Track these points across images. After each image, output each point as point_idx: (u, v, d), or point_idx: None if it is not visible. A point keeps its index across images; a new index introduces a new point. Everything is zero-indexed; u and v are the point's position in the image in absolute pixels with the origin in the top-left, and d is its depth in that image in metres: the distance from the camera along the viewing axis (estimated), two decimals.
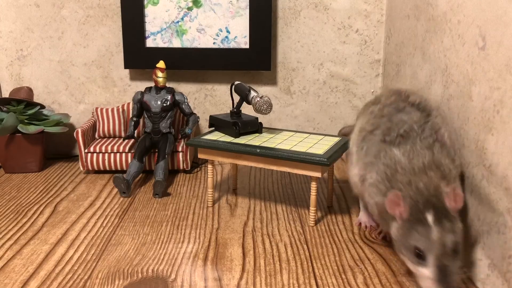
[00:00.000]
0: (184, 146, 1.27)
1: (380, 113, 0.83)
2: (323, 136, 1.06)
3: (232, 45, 1.33)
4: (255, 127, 1.06)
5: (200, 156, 1.04)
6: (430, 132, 0.76)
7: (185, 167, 1.28)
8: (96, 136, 1.35)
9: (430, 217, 0.65)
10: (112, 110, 1.33)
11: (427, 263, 0.64)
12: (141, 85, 1.39)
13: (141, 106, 1.23)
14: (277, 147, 0.96)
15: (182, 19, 1.33)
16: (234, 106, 1.06)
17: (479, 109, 0.75)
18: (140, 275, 0.78)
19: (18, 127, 1.25)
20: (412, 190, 0.68)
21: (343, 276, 0.78)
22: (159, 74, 1.22)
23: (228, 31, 1.33)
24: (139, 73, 1.40)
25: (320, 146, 0.98)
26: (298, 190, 1.17)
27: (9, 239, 0.92)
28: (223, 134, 1.06)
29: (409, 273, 0.78)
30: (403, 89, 0.87)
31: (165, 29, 1.33)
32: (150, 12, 1.32)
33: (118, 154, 1.26)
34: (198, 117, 1.27)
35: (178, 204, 1.09)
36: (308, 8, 1.34)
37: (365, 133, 0.83)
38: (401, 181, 0.71)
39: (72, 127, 1.42)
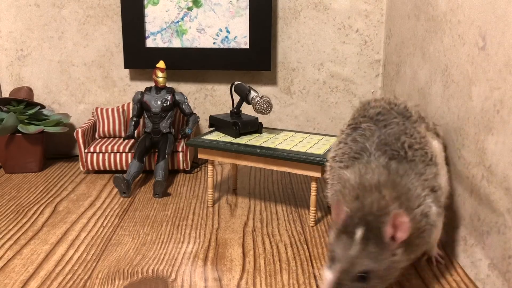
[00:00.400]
0: (184, 146, 1.27)
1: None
2: (323, 136, 1.06)
3: (232, 45, 1.33)
4: (255, 127, 1.06)
5: (200, 156, 1.04)
6: (385, 149, 0.71)
7: (185, 167, 1.28)
8: (96, 136, 1.35)
9: (358, 234, 0.60)
10: (112, 110, 1.33)
11: (331, 271, 0.60)
12: (141, 85, 1.39)
13: (141, 106, 1.23)
14: (277, 147, 0.96)
15: (182, 19, 1.33)
16: (234, 106, 1.06)
17: (479, 109, 0.75)
18: (140, 275, 0.78)
19: (18, 127, 1.25)
20: (356, 204, 0.63)
21: None
22: (159, 74, 1.22)
23: (228, 31, 1.33)
24: (139, 73, 1.40)
25: (320, 146, 0.98)
26: (298, 190, 1.17)
27: (9, 239, 0.92)
28: (223, 134, 1.06)
29: (409, 274, 0.78)
30: (372, 99, 0.83)
31: (165, 29, 1.33)
32: (150, 12, 1.32)
33: (118, 154, 1.26)
34: (198, 117, 1.27)
35: (178, 204, 1.09)
36: (308, 8, 1.34)
37: (330, 162, 0.81)
38: (349, 195, 0.66)
39: (72, 127, 1.42)
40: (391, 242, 0.59)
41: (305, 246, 0.88)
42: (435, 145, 0.78)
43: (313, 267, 0.81)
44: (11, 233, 0.94)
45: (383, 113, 0.77)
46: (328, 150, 0.92)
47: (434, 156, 0.73)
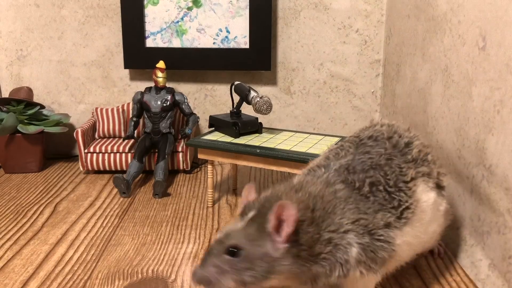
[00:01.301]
0: (184, 146, 1.27)
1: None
2: (323, 136, 1.06)
3: (232, 45, 1.33)
4: (255, 127, 1.06)
5: (200, 156, 1.04)
6: (344, 174, 0.64)
7: (185, 167, 1.28)
8: (96, 136, 1.35)
9: (249, 215, 0.59)
10: (112, 110, 1.33)
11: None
12: (141, 85, 1.39)
13: (141, 106, 1.23)
14: (277, 147, 0.96)
15: (182, 19, 1.33)
16: (234, 106, 1.06)
17: (479, 109, 0.75)
18: (140, 276, 0.78)
19: (18, 127, 1.25)
20: (269, 191, 0.63)
21: None
22: (159, 74, 1.22)
23: (228, 31, 1.33)
24: (139, 73, 1.40)
25: (320, 146, 0.98)
26: None
27: (9, 239, 0.91)
28: (223, 134, 1.06)
29: (409, 274, 0.78)
30: (380, 123, 0.75)
31: (165, 29, 1.33)
32: (150, 12, 1.32)
33: (118, 154, 1.26)
34: (198, 117, 1.27)
35: (178, 205, 1.08)
36: (308, 8, 1.34)
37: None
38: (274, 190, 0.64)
39: (72, 127, 1.42)
40: (275, 234, 0.56)
41: None
42: (425, 199, 0.66)
43: None
44: (11, 233, 0.94)
45: (376, 139, 0.69)
46: None
47: (409, 209, 0.63)
